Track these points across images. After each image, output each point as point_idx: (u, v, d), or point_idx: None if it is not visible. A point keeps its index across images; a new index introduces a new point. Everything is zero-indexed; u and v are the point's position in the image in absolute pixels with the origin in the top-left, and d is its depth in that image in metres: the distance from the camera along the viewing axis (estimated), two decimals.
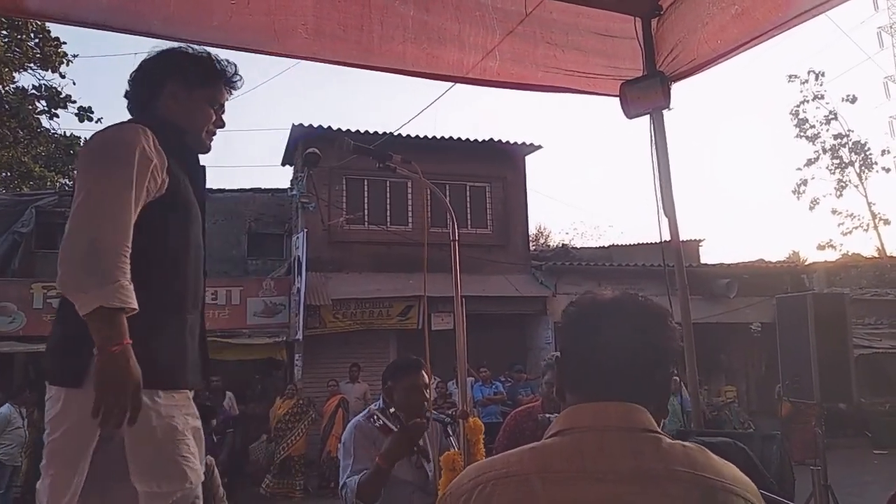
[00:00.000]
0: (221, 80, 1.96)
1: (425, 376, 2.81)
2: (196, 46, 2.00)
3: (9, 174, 16.72)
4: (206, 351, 1.93)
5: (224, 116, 2.00)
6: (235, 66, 2.00)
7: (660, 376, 1.14)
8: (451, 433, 2.84)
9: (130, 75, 1.90)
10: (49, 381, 1.63)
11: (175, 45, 2.02)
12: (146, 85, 1.89)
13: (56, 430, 1.57)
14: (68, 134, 16.20)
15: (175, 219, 1.76)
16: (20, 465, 8.78)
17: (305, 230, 12.42)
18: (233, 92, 2.02)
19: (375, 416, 2.77)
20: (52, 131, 15.70)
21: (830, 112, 26.79)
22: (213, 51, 2.02)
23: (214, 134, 1.98)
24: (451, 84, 3.59)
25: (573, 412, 1.12)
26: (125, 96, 1.91)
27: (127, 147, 1.61)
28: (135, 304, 1.50)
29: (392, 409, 2.73)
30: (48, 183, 17.05)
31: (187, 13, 2.44)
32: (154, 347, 1.64)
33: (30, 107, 14.31)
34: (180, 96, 1.87)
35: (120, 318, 1.48)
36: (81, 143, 14.30)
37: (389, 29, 2.70)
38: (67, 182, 17.36)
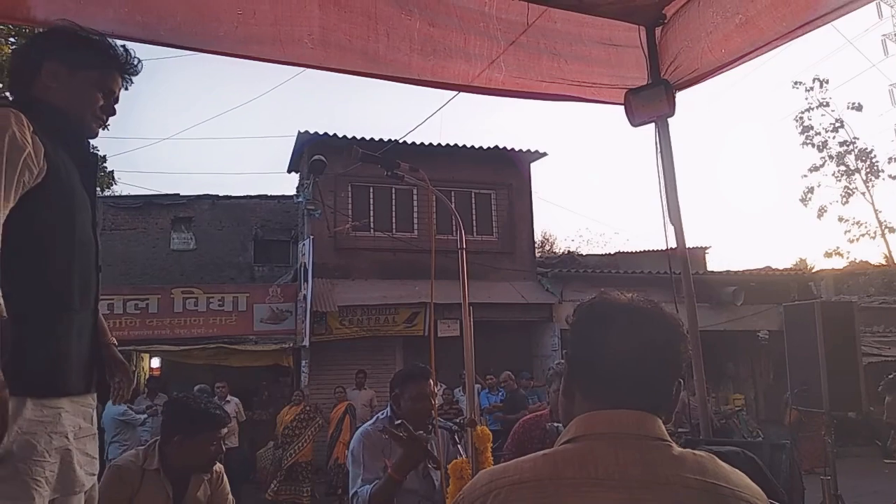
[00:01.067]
0: (112, 65, 1.84)
1: (432, 384, 2.82)
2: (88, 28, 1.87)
3: None
4: (98, 354, 1.79)
5: (117, 106, 1.85)
6: (132, 52, 1.87)
7: (673, 386, 1.14)
8: (458, 441, 2.84)
9: (12, 53, 1.80)
10: None
11: (65, 25, 1.87)
12: (26, 62, 1.76)
13: None
14: None
15: (56, 209, 1.62)
16: None
17: (311, 237, 12.46)
18: (131, 80, 1.90)
19: (387, 423, 2.76)
20: None
21: (836, 119, 26.74)
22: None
23: (104, 120, 1.84)
24: (455, 93, 3.60)
25: (587, 419, 1.12)
26: (7, 74, 1.78)
27: None
28: (3, 312, 1.36)
29: (399, 422, 2.72)
30: None
31: (194, 23, 2.46)
32: (27, 350, 1.49)
33: None
34: (61, 76, 1.73)
35: None
36: None
37: (395, 40, 2.72)
38: None
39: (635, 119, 3.11)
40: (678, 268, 3.18)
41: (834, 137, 27.07)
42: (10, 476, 1.49)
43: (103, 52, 1.83)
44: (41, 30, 1.83)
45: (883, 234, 26.68)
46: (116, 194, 18.36)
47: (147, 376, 12.78)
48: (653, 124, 3.13)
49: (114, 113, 1.86)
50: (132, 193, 17.29)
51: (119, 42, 1.89)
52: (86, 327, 1.72)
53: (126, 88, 1.90)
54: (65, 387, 1.61)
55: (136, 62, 1.88)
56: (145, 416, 9.44)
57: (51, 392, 1.58)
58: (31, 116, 1.57)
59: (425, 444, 2.59)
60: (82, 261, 1.69)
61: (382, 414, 2.94)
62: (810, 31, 2.57)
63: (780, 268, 18.37)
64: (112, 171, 15.72)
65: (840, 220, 27.67)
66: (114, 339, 1.98)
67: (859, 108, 26.39)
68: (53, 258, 1.61)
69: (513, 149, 14.15)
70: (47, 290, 1.59)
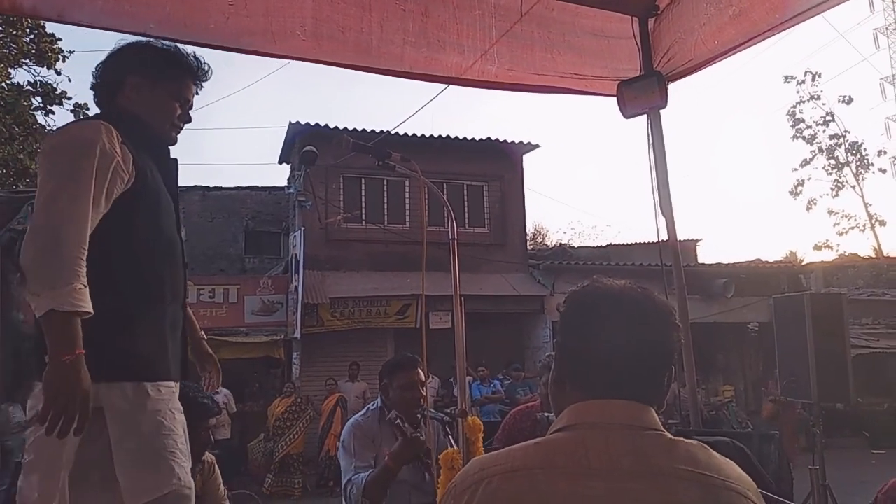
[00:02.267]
0: (188, 75, 1.94)
1: (421, 373, 2.82)
2: (165, 41, 1.98)
3: (4, 171, 16.71)
4: (186, 345, 1.94)
5: (192, 113, 1.97)
6: (202, 60, 1.96)
7: (665, 376, 1.14)
8: (449, 432, 2.85)
9: (96, 67, 1.88)
10: (37, 378, 1.59)
11: (142, 39, 1.99)
12: (109, 78, 1.87)
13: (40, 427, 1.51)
14: None
15: (145, 211, 1.74)
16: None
17: (303, 228, 12.41)
18: (202, 86, 2.00)
19: (393, 416, 2.75)
20: (48, 128, 15.67)
21: (827, 113, 26.86)
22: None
23: (181, 128, 1.96)
24: (446, 85, 3.59)
25: (579, 408, 1.11)
26: (91, 88, 1.89)
27: (88, 146, 1.59)
28: (88, 308, 1.46)
29: (396, 417, 2.72)
30: None
31: (183, 15, 2.43)
32: (136, 339, 1.64)
33: (25, 103, 14.27)
34: (143, 89, 1.85)
35: (72, 324, 1.44)
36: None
37: (389, 32, 2.70)
38: None
39: (627, 111, 3.12)
40: (669, 260, 3.19)
41: (824, 131, 27.21)
42: (148, 453, 1.61)
43: (178, 63, 1.92)
44: (125, 42, 1.92)
45: (872, 227, 26.90)
46: None
47: None
48: (645, 116, 3.14)
49: (190, 120, 1.98)
50: None
51: (189, 50, 1.98)
52: (177, 319, 1.85)
53: (198, 93, 2.00)
54: (170, 371, 1.73)
55: (206, 68, 1.98)
56: None
57: (162, 375, 1.72)
58: (118, 126, 1.69)
59: (424, 445, 2.59)
60: (171, 258, 1.83)
61: (373, 405, 2.94)
62: (802, 21, 2.58)
63: (771, 260, 18.47)
64: None
65: (830, 212, 27.87)
66: (203, 333, 2.22)
67: (849, 101, 26.53)
68: (146, 256, 1.74)
69: (505, 140, 14.12)
70: (143, 285, 1.72)
